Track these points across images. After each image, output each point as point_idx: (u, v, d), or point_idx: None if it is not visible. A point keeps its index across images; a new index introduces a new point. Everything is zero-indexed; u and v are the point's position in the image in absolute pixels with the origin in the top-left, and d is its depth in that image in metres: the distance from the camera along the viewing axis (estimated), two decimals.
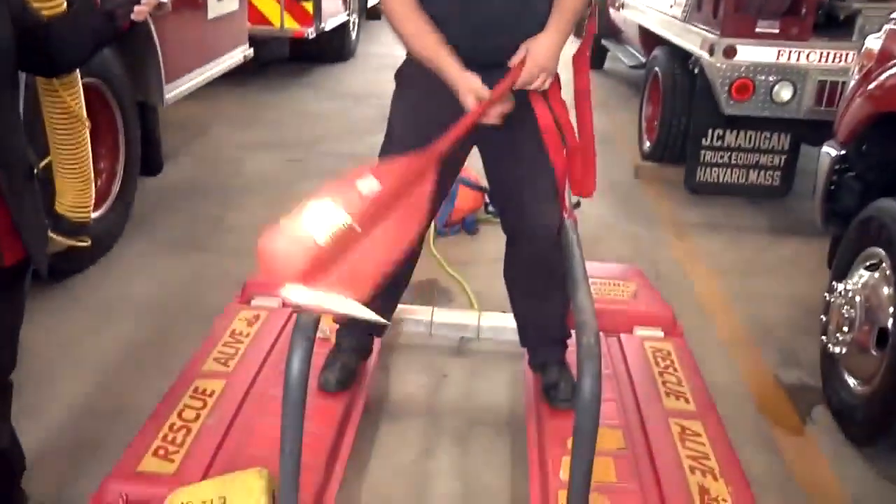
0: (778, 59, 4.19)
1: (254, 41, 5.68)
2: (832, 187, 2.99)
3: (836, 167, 2.97)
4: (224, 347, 2.51)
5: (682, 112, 4.86)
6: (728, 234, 4.30)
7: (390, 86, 2.20)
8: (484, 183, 3.24)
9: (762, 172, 4.62)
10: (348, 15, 8.26)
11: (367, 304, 2.34)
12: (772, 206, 4.71)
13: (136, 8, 1.64)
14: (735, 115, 4.35)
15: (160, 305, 3.23)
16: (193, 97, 4.50)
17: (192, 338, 2.68)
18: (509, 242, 2.24)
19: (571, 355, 2.23)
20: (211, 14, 4.66)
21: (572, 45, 2.05)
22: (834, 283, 2.76)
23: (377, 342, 2.54)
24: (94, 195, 2.60)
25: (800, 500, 2.35)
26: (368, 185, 1.60)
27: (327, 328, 2.52)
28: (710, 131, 4.55)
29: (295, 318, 1.76)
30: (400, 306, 2.57)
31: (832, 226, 3.04)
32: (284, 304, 1.71)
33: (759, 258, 4.03)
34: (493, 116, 1.88)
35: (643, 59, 6.45)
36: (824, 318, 2.78)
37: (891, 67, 2.67)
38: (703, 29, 4.49)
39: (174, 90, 4.07)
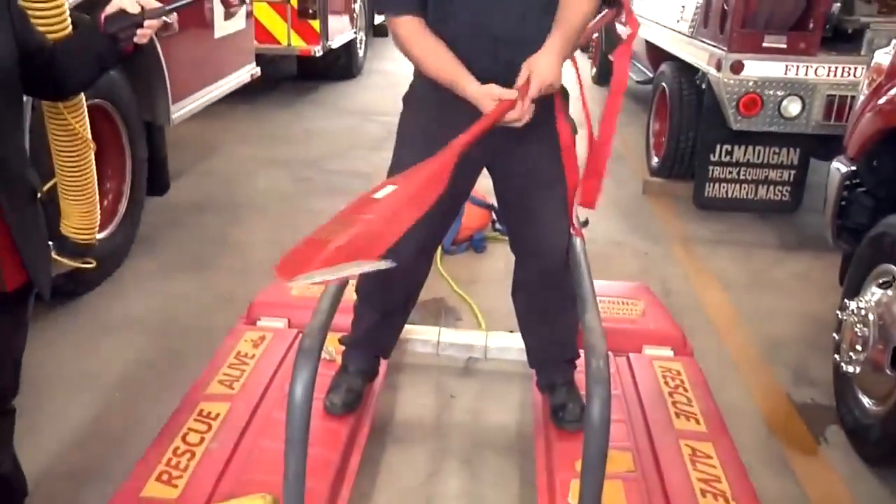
0: (786, 73, 4.16)
1: (261, 59, 5.70)
2: (843, 203, 2.96)
3: (847, 183, 2.94)
4: (229, 369, 2.49)
5: (690, 127, 4.84)
6: (737, 250, 4.27)
7: (398, 103, 2.19)
8: (491, 200, 3.23)
9: (771, 188, 4.59)
10: (355, 33, 8.29)
11: (374, 325, 2.33)
12: (781, 221, 4.68)
13: (139, 31, 1.63)
14: (743, 130, 4.32)
15: (166, 326, 3.22)
16: (201, 115, 4.51)
17: (198, 359, 2.67)
18: (517, 262, 2.22)
19: (580, 375, 2.20)
20: (218, 33, 4.67)
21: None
22: (846, 300, 2.72)
23: (383, 364, 2.51)
24: (99, 217, 2.59)
25: None
26: (384, 191, 1.70)
27: (333, 350, 2.51)
28: (718, 146, 4.52)
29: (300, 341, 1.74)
30: (407, 326, 2.54)
31: (843, 242, 3.00)
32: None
33: (770, 274, 3.99)
34: (513, 118, 1.86)
35: (650, 75, 6.43)
36: (837, 337, 2.74)
37: None
38: (710, 44, 4.48)
39: (181, 110, 4.07)
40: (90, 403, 2.67)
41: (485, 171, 2.15)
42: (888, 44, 2.87)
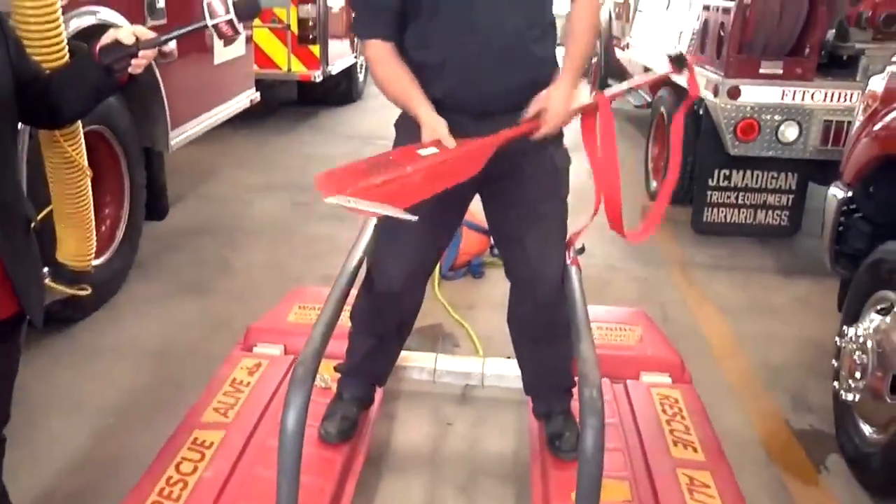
0: (782, 99, 4.18)
1: (261, 84, 5.73)
2: (840, 229, 2.96)
3: (844, 209, 2.94)
4: (224, 397, 2.47)
5: (689, 152, 4.84)
6: (736, 275, 4.26)
7: None
8: None
9: (770, 212, 4.59)
10: (355, 57, 8.35)
11: (369, 352, 2.32)
12: (780, 245, 4.67)
13: (134, 62, 1.64)
14: (741, 155, 4.33)
15: (163, 352, 3.21)
16: (201, 139, 4.52)
17: (194, 385, 2.65)
18: (512, 290, 2.21)
19: (577, 403, 2.19)
20: (217, 59, 4.70)
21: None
22: (844, 327, 2.71)
23: (379, 391, 2.50)
24: (95, 244, 2.58)
25: None
26: (428, 150, 1.80)
27: (328, 377, 2.49)
28: (716, 171, 4.53)
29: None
30: (403, 353, 2.53)
31: (841, 268, 2.99)
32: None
33: (768, 299, 3.98)
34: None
35: (649, 99, 6.47)
36: (836, 364, 2.72)
37: (894, 110, 2.65)
38: (708, 70, 4.50)
39: (180, 136, 4.09)
40: (84, 430, 2.65)
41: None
42: (883, 70, 2.88)
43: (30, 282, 1.65)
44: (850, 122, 3.45)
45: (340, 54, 7.73)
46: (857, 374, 2.55)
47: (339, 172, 1.75)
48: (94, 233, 2.56)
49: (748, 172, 4.51)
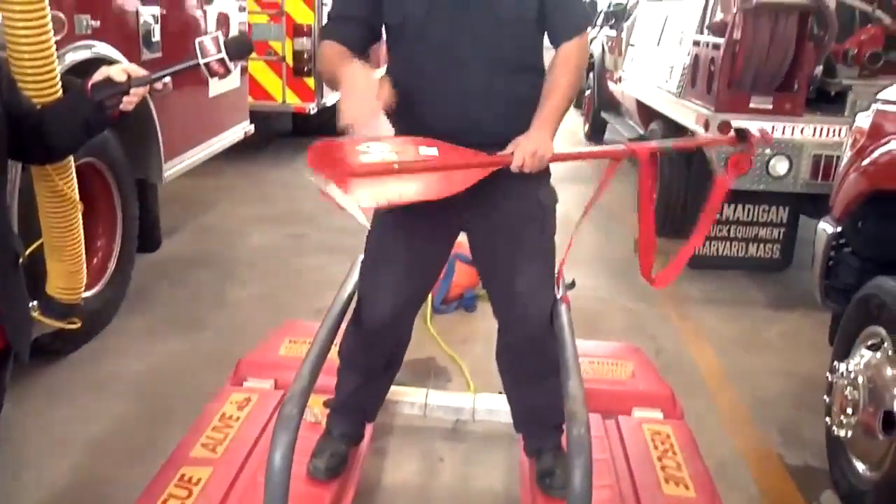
0: (772, 133, 4.22)
1: (256, 116, 5.77)
2: (830, 263, 2.97)
3: (834, 243, 2.95)
4: (213, 432, 2.45)
5: (680, 186, 4.88)
6: (728, 309, 4.26)
7: None
8: None
9: (761, 245, 4.61)
10: None
11: (357, 389, 2.31)
12: (772, 279, 4.68)
13: (125, 99, 1.66)
14: (732, 188, 4.35)
15: (153, 386, 3.19)
16: (195, 170, 4.54)
17: (184, 420, 2.63)
18: (500, 327, 2.21)
19: None
20: (212, 92, 4.74)
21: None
22: (835, 362, 2.70)
23: (369, 427, 2.48)
24: (85, 277, 2.58)
25: None
26: (428, 150, 1.82)
27: (318, 412, 2.48)
28: None
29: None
30: (394, 388, 2.52)
31: (832, 302, 3.00)
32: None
33: (760, 333, 3.98)
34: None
35: (642, 132, 6.52)
36: (827, 399, 2.72)
37: (881, 145, 2.68)
38: (698, 104, 4.55)
39: (173, 168, 4.11)
40: (71, 465, 2.62)
41: None
42: (869, 106, 2.91)
43: (16, 317, 1.64)
44: (839, 157, 3.49)
45: None
46: (849, 410, 2.54)
47: (335, 148, 1.80)
48: (85, 266, 2.56)
49: (740, 206, 4.53)
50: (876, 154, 2.72)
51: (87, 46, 3.24)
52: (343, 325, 2.20)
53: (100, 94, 1.65)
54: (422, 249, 1.98)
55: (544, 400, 2.25)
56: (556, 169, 2.06)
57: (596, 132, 9.04)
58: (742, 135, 2.18)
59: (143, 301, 3.94)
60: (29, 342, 1.73)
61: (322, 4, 7.07)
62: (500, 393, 2.56)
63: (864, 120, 2.89)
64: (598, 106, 8.66)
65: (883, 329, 2.51)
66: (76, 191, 2.38)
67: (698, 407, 3.08)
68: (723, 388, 3.40)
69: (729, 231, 4.57)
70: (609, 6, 8.67)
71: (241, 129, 5.32)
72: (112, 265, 3.69)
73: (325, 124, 8.03)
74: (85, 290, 2.75)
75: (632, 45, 6.93)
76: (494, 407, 2.68)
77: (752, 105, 4.25)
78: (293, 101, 7.13)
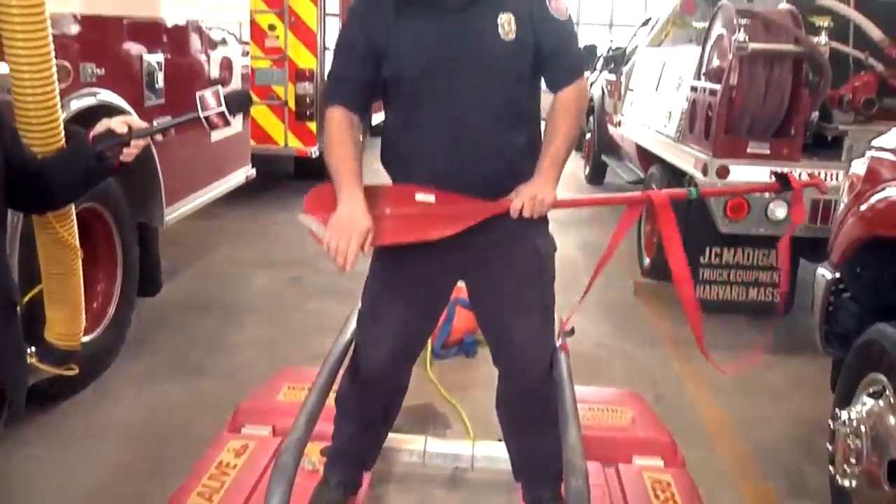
0: (770, 178, 4.23)
1: (258, 159, 5.81)
2: (830, 309, 2.96)
3: (833, 289, 2.95)
4: (209, 480, 2.43)
5: (680, 229, 4.88)
6: (729, 353, 4.20)
7: None
8: None
9: (762, 289, 4.60)
10: None
11: (354, 437, 2.30)
12: (773, 322, 4.66)
13: (126, 150, 1.68)
14: (732, 233, 4.37)
15: (150, 432, 3.16)
16: (197, 213, 4.56)
17: (181, 467, 2.60)
18: (500, 376, 2.20)
19: None
20: (214, 136, 4.77)
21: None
22: (837, 409, 2.68)
23: (367, 475, 2.46)
24: (84, 323, 2.58)
25: None
26: (425, 197, 1.87)
27: (316, 460, 2.46)
28: (707, 249, 4.55)
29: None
30: (392, 435, 2.51)
31: (832, 348, 2.98)
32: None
33: (762, 378, 3.95)
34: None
35: (641, 175, 6.56)
36: (830, 447, 2.69)
37: (877, 192, 2.69)
38: (696, 149, 4.58)
39: (175, 212, 4.13)
40: None
41: None
42: (864, 153, 2.93)
43: (14, 369, 1.64)
44: (836, 201, 3.50)
45: None
46: (853, 460, 2.51)
47: (333, 193, 1.87)
48: (84, 312, 2.57)
49: (739, 250, 4.53)
50: (872, 200, 2.73)
51: (91, 94, 3.29)
52: (341, 372, 2.20)
53: (101, 144, 1.67)
54: (419, 297, 1.98)
55: (544, 448, 2.23)
56: (558, 212, 2.07)
57: (596, 175, 9.10)
58: (784, 180, 2.13)
59: (143, 345, 3.93)
60: (24, 393, 1.72)
61: (325, 49, 7.19)
62: (500, 440, 2.54)
63: (859, 166, 2.91)
64: (599, 149, 8.73)
65: (884, 377, 2.49)
66: (77, 238, 2.39)
67: (700, 454, 3.05)
68: (725, 435, 3.37)
69: (729, 275, 4.57)
70: (608, 50, 8.79)
71: (243, 173, 5.36)
72: (112, 309, 3.68)
73: (326, 168, 8.12)
74: (84, 335, 2.75)
75: (631, 90, 7.01)
76: (494, 455, 2.66)
77: (749, 150, 4.27)
78: (295, 144, 7.20)
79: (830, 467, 2.66)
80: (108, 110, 3.31)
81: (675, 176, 4.99)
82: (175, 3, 4.26)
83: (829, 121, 4.51)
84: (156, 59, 3.92)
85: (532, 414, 2.17)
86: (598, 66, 8.99)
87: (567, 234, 5.78)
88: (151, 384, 3.57)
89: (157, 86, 3.92)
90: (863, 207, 2.79)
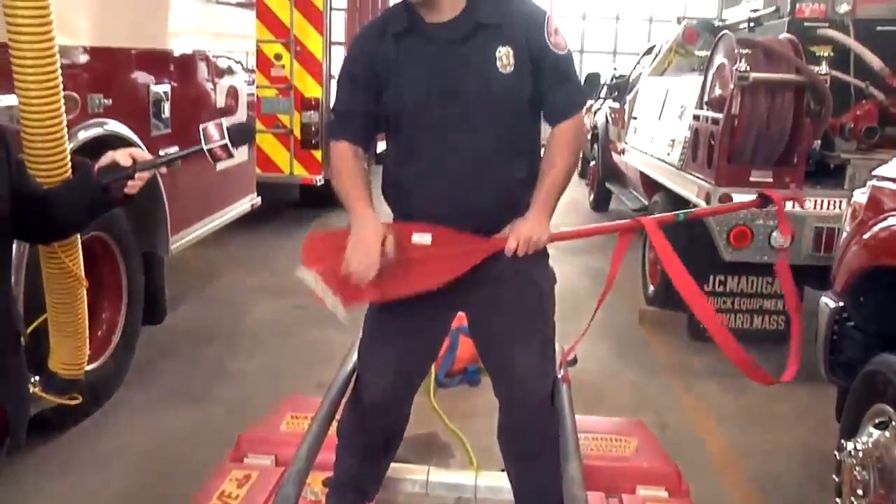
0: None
1: (264, 187, 5.85)
2: (834, 338, 2.95)
3: (837, 318, 2.94)
4: None
5: (684, 257, 4.87)
6: (735, 383, 4.20)
7: None
8: None
9: (766, 317, 4.59)
10: None
11: (355, 467, 2.29)
12: (779, 351, 4.62)
13: (130, 183, 1.70)
14: (735, 261, 4.37)
15: (153, 461, 3.15)
16: (203, 241, 4.58)
17: (184, 496, 2.59)
18: (501, 408, 2.19)
19: None
20: (220, 165, 4.80)
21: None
22: (843, 440, 2.66)
23: None
24: (87, 353, 2.59)
25: None
26: (421, 238, 1.86)
27: (318, 490, 2.44)
28: (711, 277, 4.56)
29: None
30: (395, 465, 2.49)
31: (837, 378, 2.97)
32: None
33: (768, 407, 3.93)
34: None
35: (645, 202, 6.57)
36: (836, 479, 2.66)
37: (879, 221, 2.70)
38: (699, 178, 4.60)
39: (180, 241, 4.15)
40: None
41: None
42: (865, 183, 2.94)
43: (16, 401, 1.65)
44: (839, 229, 3.50)
45: None
46: (860, 492, 2.48)
47: (328, 241, 1.91)
48: (87, 342, 2.57)
49: (743, 278, 4.53)
50: (875, 230, 2.73)
51: (99, 124, 3.32)
52: (343, 402, 2.20)
53: (105, 177, 1.69)
54: (419, 329, 1.98)
55: (546, 479, 2.21)
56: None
57: (601, 203, 9.12)
58: (763, 196, 2.24)
59: (147, 374, 3.93)
60: (26, 422, 1.73)
61: (330, 78, 7.26)
62: (503, 470, 2.53)
63: (861, 197, 2.92)
64: (603, 176, 8.75)
65: (890, 408, 2.48)
66: (82, 268, 2.41)
67: (705, 485, 3.02)
68: (730, 465, 3.34)
69: (733, 303, 4.56)
70: (612, 78, 8.85)
71: (249, 201, 5.39)
72: (116, 338, 3.69)
73: (331, 196, 8.13)
74: (89, 363, 2.76)
75: (634, 118, 7.05)
76: (497, 485, 2.63)
77: (752, 178, 4.28)
78: (300, 172, 7.25)
79: (837, 500, 2.64)
80: (115, 140, 3.34)
81: (679, 204, 5.00)
82: (183, 34, 4.33)
83: (831, 149, 4.53)
84: (163, 89, 3.97)
85: (532, 445, 2.16)
86: (602, 94, 9.05)
87: (569, 263, 5.78)
88: (156, 412, 3.57)
89: (163, 115, 3.96)
90: (865, 237, 2.79)
